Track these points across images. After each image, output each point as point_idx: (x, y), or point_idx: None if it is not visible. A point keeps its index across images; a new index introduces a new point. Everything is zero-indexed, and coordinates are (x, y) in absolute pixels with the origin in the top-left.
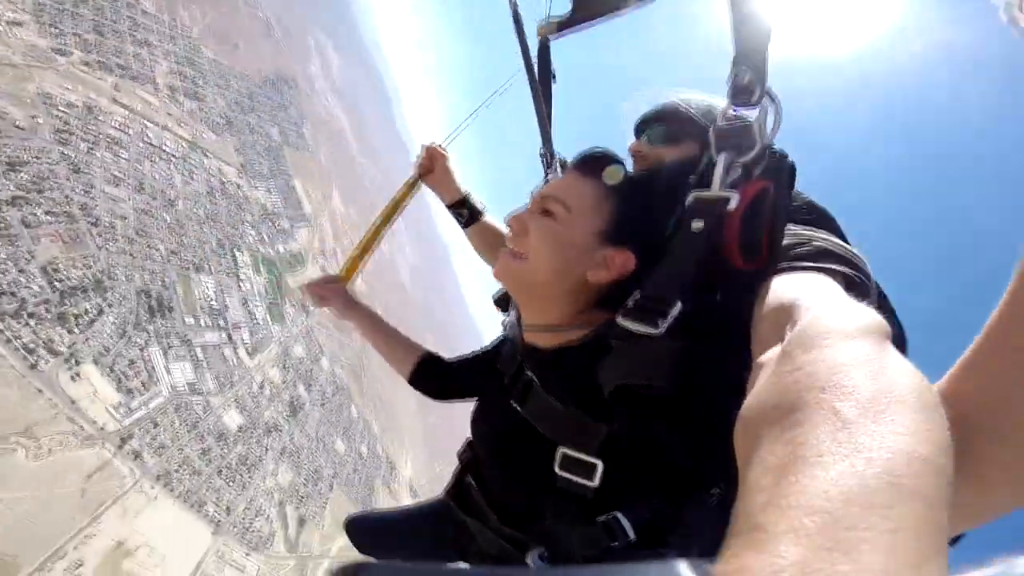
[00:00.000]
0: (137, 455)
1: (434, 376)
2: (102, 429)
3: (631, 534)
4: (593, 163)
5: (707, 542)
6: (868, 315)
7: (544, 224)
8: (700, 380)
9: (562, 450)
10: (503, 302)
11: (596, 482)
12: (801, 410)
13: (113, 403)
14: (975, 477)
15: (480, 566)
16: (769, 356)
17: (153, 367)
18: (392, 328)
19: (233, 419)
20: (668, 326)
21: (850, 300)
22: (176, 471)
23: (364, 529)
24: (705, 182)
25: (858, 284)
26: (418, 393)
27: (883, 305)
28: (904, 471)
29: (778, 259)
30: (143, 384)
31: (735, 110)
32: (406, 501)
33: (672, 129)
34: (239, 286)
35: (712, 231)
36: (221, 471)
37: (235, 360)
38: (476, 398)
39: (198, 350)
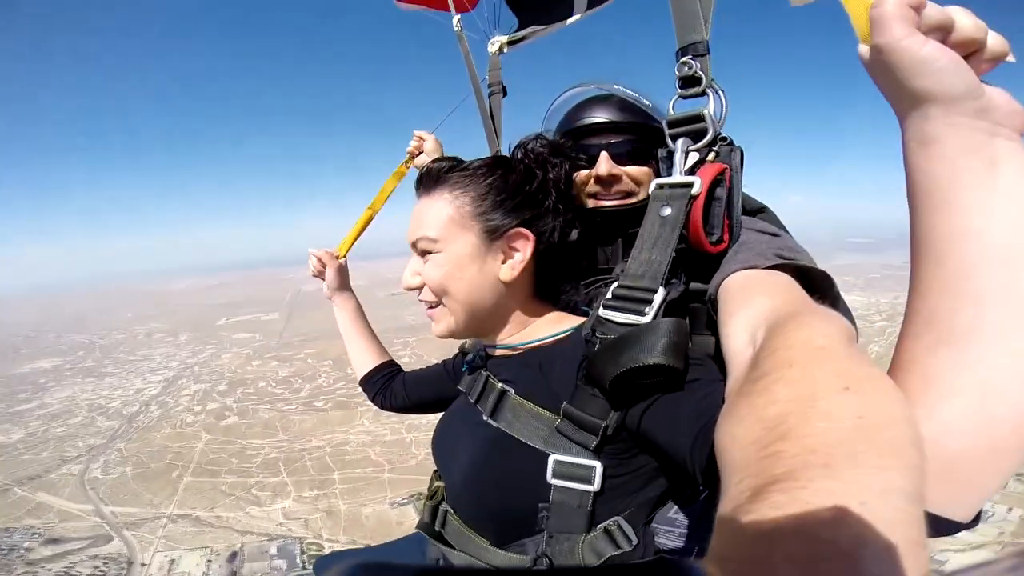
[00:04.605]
0: None
1: (390, 384)
2: None
3: (634, 539)
4: (430, 180)
5: (703, 543)
6: (836, 325)
7: (430, 264)
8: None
9: (554, 457)
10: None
11: (596, 485)
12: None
13: None
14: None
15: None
16: (741, 381)
17: None
18: (368, 325)
19: None
20: (655, 313)
21: (816, 307)
22: None
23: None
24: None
25: (815, 279)
26: None
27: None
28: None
29: (735, 242)
30: None
31: (684, 100)
32: None
33: (643, 146)
34: None
35: (680, 216)
36: None
37: None
38: (428, 413)
39: None
